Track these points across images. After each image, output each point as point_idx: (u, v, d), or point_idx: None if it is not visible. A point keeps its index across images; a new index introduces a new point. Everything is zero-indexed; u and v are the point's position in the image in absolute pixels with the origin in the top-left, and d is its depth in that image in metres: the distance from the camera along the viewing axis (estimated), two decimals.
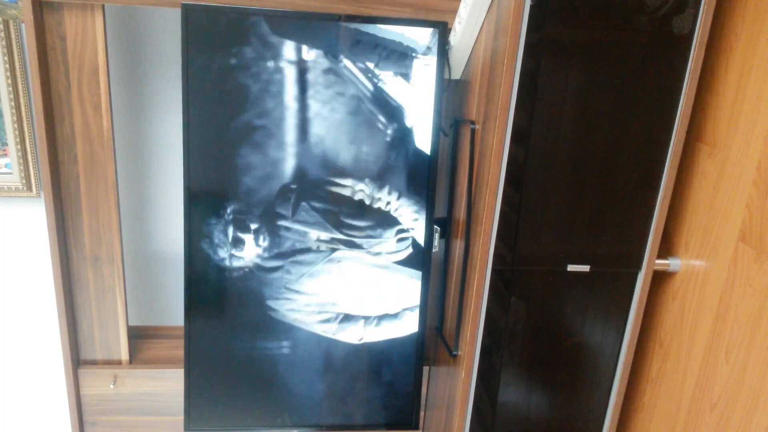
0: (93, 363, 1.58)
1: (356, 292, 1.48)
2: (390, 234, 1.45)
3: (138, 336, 1.70)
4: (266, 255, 1.43)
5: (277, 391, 1.52)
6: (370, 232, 1.43)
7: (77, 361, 1.57)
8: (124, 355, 1.59)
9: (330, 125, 1.36)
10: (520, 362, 1.35)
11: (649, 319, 1.42)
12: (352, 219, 1.42)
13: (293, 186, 1.38)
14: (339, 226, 1.42)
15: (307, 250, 1.43)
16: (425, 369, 1.64)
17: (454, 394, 1.42)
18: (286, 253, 1.43)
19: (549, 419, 1.42)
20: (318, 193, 1.39)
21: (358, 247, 1.44)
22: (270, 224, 1.41)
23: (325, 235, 1.42)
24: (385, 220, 1.43)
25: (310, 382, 1.52)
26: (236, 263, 1.42)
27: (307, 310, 1.48)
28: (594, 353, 1.37)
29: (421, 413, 1.67)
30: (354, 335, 1.51)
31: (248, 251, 1.42)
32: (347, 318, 1.49)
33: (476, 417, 1.40)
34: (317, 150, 1.37)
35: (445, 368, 1.50)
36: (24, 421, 1.90)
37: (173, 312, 1.85)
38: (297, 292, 1.46)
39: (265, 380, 1.50)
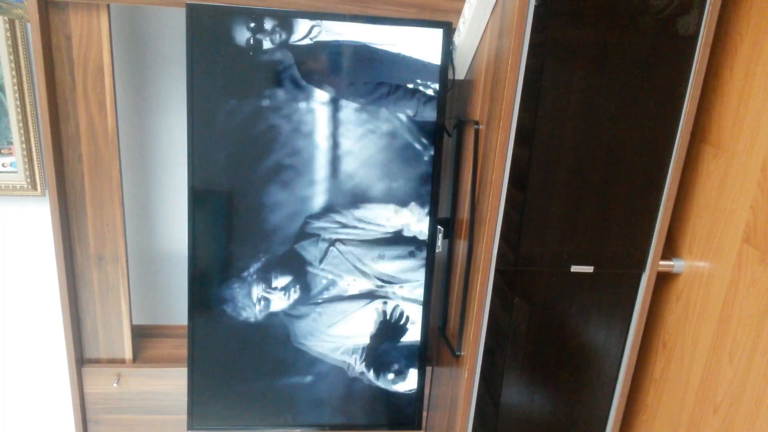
0: (97, 361, 1.59)
1: (392, 334, 1.50)
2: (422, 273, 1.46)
3: (142, 335, 1.70)
4: (292, 302, 1.44)
5: (281, 391, 1.52)
6: (408, 275, 1.43)
7: (81, 359, 1.58)
8: (128, 354, 1.59)
9: (354, 138, 1.36)
10: (523, 363, 1.35)
11: (652, 320, 1.42)
12: (388, 260, 1.42)
13: (318, 219, 1.38)
14: (374, 275, 1.42)
15: (340, 298, 1.43)
16: (428, 369, 1.64)
17: (457, 395, 1.42)
18: (313, 303, 1.44)
19: (552, 420, 1.42)
20: (348, 231, 1.40)
21: (395, 295, 1.45)
22: (295, 266, 1.41)
23: (359, 284, 1.42)
24: (422, 252, 1.44)
25: (314, 382, 1.52)
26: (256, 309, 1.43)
27: (333, 347, 1.48)
28: (597, 354, 1.37)
29: (424, 413, 1.66)
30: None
31: (275, 299, 1.43)
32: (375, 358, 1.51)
33: (479, 417, 1.40)
34: (342, 172, 1.37)
35: (448, 368, 1.50)
36: (27, 420, 1.90)
37: (177, 311, 1.85)
38: (326, 335, 1.46)
39: (269, 380, 1.50)
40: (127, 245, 1.53)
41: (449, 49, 1.34)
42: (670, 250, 1.36)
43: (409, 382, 1.54)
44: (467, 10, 1.27)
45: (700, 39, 1.15)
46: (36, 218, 1.70)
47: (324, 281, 1.41)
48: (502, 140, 1.17)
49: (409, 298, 1.47)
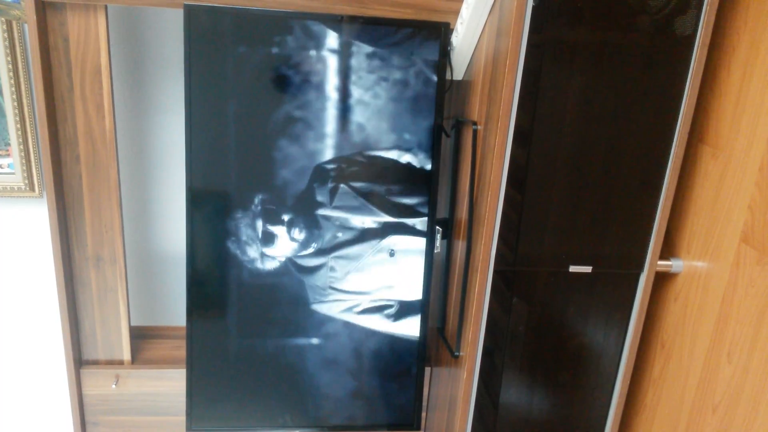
0: (95, 363, 1.59)
1: (412, 278, 1.45)
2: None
3: (140, 336, 1.70)
4: (299, 252, 1.40)
5: (280, 392, 1.52)
6: (422, 209, 1.38)
7: (79, 361, 1.58)
8: (126, 356, 1.59)
9: (359, 97, 1.35)
10: (522, 363, 1.35)
11: (651, 320, 1.42)
12: (400, 195, 1.37)
13: (323, 167, 1.34)
14: (385, 207, 1.37)
15: (351, 242, 1.40)
16: (427, 370, 1.64)
17: (455, 395, 1.42)
18: (326, 249, 1.40)
19: (551, 420, 1.42)
20: (355, 170, 1.35)
21: (411, 229, 1.40)
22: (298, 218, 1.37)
23: (370, 222, 1.38)
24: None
25: (312, 383, 1.52)
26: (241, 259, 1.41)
27: (352, 304, 1.45)
28: (596, 354, 1.37)
29: (423, 414, 1.66)
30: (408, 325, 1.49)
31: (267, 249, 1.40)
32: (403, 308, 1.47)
33: (478, 418, 1.40)
34: (345, 124, 1.35)
35: (446, 369, 1.50)
36: (26, 421, 1.90)
37: (175, 312, 1.85)
38: (341, 291, 1.43)
39: (267, 381, 1.50)
40: (125, 246, 1.53)
41: (447, 50, 1.34)
42: (668, 250, 1.37)
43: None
44: (465, 11, 1.27)
45: (697, 39, 1.15)
46: (34, 220, 1.70)
47: (337, 223, 1.38)
48: (500, 140, 1.17)
49: (423, 232, 1.44)
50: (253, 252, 1.41)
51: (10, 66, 1.51)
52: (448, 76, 1.38)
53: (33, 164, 1.61)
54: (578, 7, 1.09)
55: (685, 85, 1.17)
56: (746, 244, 1.14)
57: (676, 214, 1.34)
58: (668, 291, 1.38)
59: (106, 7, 1.33)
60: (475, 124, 1.30)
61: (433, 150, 1.39)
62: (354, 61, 1.32)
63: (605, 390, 1.40)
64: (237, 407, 1.51)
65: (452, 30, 1.34)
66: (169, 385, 1.60)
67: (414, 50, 1.32)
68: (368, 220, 1.39)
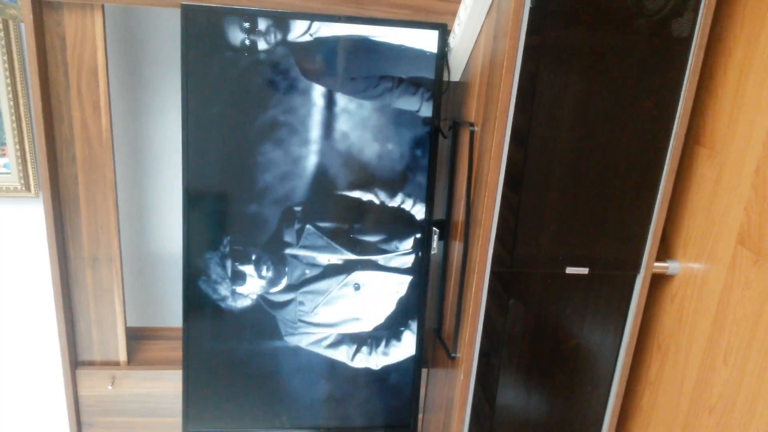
0: (91, 364, 1.58)
1: (378, 311, 1.47)
2: (408, 243, 1.44)
3: (136, 337, 1.69)
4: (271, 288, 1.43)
5: (276, 393, 1.51)
6: (386, 246, 1.41)
7: (75, 361, 1.57)
8: (122, 356, 1.58)
9: (338, 128, 1.35)
10: (519, 364, 1.35)
11: (647, 321, 1.42)
12: (365, 233, 1.40)
13: (297, 206, 1.37)
14: (351, 246, 1.40)
15: (319, 278, 1.42)
16: (423, 371, 1.64)
17: (452, 397, 1.41)
18: (295, 285, 1.42)
19: (547, 422, 1.42)
20: (322, 209, 1.38)
21: (376, 265, 1.43)
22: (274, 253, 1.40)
23: (336, 258, 1.41)
24: (402, 225, 1.42)
25: (308, 384, 1.52)
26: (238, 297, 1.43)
27: (320, 338, 1.47)
28: (593, 356, 1.37)
29: (420, 415, 1.66)
30: (372, 360, 1.51)
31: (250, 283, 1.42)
32: (363, 339, 1.49)
33: (474, 419, 1.40)
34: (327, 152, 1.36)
35: (443, 370, 1.50)
36: (22, 422, 1.89)
37: (172, 313, 1.84)
38: (312, 324, 1.45)
39: (264, 382, 1.50)
40: (121, 246, 1.53)
41: (444, 51, 1.34)
42: (664, 252, 1.37)
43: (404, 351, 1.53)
44: (462, 12, 1.27)
45: (694, 41, 1.15)
46: (30, 219, 1.69)
47: (303, 262, 1.40)
48: (497, 142, 1.17)
49: (392, 268, 1.45)
50: (253, 252, 1.41)
51: (6, 65, 1.51)
52: (445, 78, 1.38)
53: (29, 164, 1.61)
54: (575, 9, 1.10)
55: (681, 87, 1.18)
56: (742, 246, 1.14)
57: (673, 215, 1.34)
58: (665, 293, 1.38)
59: (102, 7, 1.32)
60: (472, 125, 1.30)
61: (430, 150, 1.39)
62: (349, 63, 1.32)
63: (602, 392, 1.40)
64: (233, 408, 1.51)
65: (449, 31, 1.35)
66: (165, 386, 1.60)
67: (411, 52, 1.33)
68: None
